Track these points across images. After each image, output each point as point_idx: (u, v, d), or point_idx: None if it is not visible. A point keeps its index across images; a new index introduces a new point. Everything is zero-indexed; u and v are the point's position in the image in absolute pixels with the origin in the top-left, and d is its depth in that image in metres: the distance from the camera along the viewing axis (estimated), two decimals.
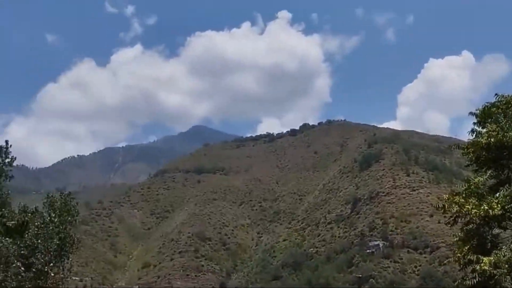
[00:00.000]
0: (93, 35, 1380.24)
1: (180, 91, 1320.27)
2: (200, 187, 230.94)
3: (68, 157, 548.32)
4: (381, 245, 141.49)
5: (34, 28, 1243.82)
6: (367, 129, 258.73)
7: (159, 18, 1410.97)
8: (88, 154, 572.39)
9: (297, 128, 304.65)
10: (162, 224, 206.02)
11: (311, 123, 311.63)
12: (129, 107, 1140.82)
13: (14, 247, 19.61)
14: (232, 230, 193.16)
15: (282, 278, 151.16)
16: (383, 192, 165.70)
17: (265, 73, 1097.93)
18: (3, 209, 20.44)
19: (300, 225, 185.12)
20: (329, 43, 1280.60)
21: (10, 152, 22.07)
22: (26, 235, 20.89)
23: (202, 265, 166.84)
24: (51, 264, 22.09)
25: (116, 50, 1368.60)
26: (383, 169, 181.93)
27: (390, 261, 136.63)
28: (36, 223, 20.71)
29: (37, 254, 21.54)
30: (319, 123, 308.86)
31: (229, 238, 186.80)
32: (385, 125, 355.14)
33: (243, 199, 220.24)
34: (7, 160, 21.78)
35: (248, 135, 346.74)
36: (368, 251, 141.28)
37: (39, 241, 21.47)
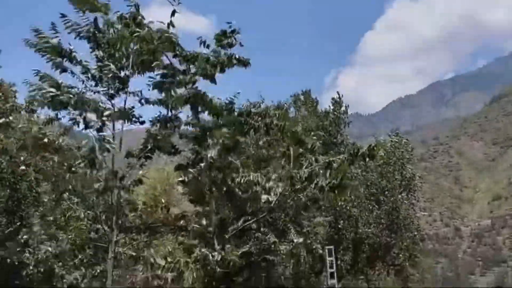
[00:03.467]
0: None
1: (508, 3, 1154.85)
2: None
3: (397, 99, 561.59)
4: None
5: None
6: None
7: None
8: (415, 92, 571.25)
9: None
10: (508, 153, 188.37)
11: None
12: (451, 35, 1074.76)
13: (364, 186, 21.40)
14: None
15: None
16: None
17: None
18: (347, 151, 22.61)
19: None
20: None
21: (343, 102, 24.52)
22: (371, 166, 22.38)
23: None
24: (399, 200, 23.18)
25: None
26: None
27: None
28: (378, 163, 22.09)
29: (385, 192, 23.01)
30: None
31: None
32: None
33: None
34: (342, 109, 24.27)
35: None
36: None
37: (383, 181, 22.79)
